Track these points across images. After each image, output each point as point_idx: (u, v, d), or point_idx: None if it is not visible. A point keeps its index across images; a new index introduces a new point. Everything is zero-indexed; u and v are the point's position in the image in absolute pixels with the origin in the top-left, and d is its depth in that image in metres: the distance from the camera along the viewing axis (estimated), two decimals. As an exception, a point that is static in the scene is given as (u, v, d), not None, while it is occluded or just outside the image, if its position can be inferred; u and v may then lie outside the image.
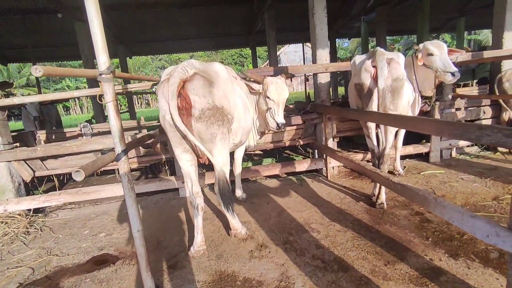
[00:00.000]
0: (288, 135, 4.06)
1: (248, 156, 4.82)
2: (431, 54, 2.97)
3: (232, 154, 3.33)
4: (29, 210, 3.38)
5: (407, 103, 3.16)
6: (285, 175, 4.22)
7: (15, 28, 7.40)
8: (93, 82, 7.64)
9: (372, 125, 2.98)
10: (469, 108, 4.42)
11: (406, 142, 4.03)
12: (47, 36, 8.52)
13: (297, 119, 3.90)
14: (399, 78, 2.67)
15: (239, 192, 3.45)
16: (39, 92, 8.76)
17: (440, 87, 3.60)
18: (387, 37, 12.80)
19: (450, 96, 4.12)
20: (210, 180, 3.66)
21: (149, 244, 2.62)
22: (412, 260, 2.14)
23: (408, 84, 3.17)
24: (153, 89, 3.44)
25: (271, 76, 2.96)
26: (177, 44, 11.29)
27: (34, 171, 3.55)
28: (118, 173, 4.47)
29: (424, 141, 4.33)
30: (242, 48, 24.55)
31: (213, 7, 7.75)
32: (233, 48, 25.74)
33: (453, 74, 2.89)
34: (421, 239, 2.38)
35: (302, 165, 4.04)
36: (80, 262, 2.50)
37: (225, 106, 2.25)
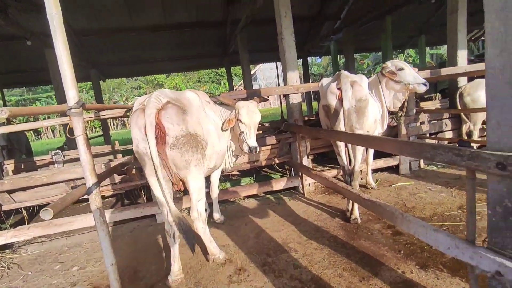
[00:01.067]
0: (264, 154, 4.15)
1: (226, 177, 4.85)
2: (402, 69, 3.19)
3: (208, 178, 3.37)
4: (-5, 247, 3.20)
5: (373, 121, 3.34)
6: (263, 194, 4.27)
7: (-20, 55, 7.18)
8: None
9: (341, 144, 3.13)
10: (432, 122, 4.73)
11: (378, 155, 4.22)
12: (17, 62, 8.30)
13: (271, 139, 4.01)
14: (362, 99, 2.86)
15: (216, 215, 3.45)
16: (8, 122, 8.39)
17: (403, 104, 3.86)
18: (356, 54, 13.52)
19: (414, 111, 4.42)
20: (187, 204, 3.64)
21: (125, 275, 2.55)
22: (386, 274, 2.22)
23: (375, 102, 3.37)
24: (128, 114, 3.43)
25: (244, 98, 3.06)
26: (153, 66, 11.32)
27: (1, 205, 3.38)
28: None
29: (394, 154, 4.55)
30: (217, 68, 24.87)
31: (186, 30, 7.92)
32: (208, 69, 26.11)
33: (424, 84, 3.11)
34: (393, 253, 2.48)
35: (279, 183, 4.11)
36: (50, 301, 2.39)
37: (199, 132, 2.31)
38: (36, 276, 2.79)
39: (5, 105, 8.61)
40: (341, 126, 2.93)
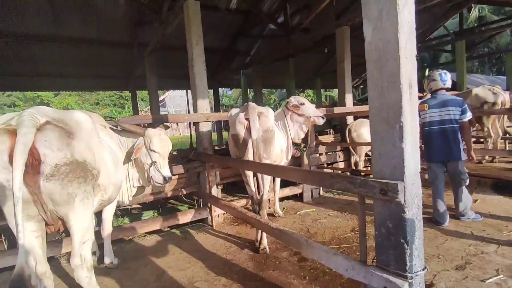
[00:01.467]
0: (170, 184, 3.83)
1: (124, 211, 4.25)
2: (303, 104, 3.58)
3: (100, 214, 2.85)
4: None
5: (279, 151, 3.53)
6: (168, 229, 3.88)
7: None
8: None
9: (250, 173, 3.15)
10: (329, 153, 5.34)
11: (284, 184, 4.44)
12: None
13: (179, 168, 3.76)
14: (268, 129, 2.99)
15: (107, 259, 2.89)
16: None
17: (306, 136, 4.24)
18: (263, 90, 14.64)
19: (314, 143, 4.90)
20: (68, 249, 2.97)
21: None
22: (293, 303, 2.21)
23: (281, 133, 3.59)
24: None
25: (149, 125, 2.82)
26: (38, 80, 9.48)
27: None
28: None
29: (298, 182, 4.88)
30: (120, 90, 23.04)
31: (83, 45, 7.10)
32: (110, 90, 23.92)
33: (322, 117, 3.63)
34: (299, 280, 2.52)
35: (186, 216, 3.83)
36: None
37: (88, 160, 1.94)
38: None
39: None
40: (249, 156, 2.96)
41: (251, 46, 9.71)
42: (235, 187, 5.73)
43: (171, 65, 9.26)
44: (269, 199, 3.80)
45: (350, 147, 5.42)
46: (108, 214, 2.85)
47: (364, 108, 5.40)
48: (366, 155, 5.43)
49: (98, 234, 3.01)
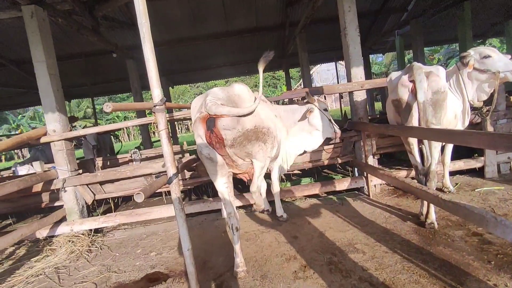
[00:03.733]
0: (326, 153, 4.06)
1: (286, 177, 4.86)
2: (488, 56, 2.86)
3: (268, 176, 3.44)
4: (91, 230, 3.74)
5: (453, 116, 3.02)
6: (325, 195, 4.17)
7: (77, 70, 8.47)
8: (141, 112, 8.37)
9: (414, 141, 2.89)
10: (526, 118, 4.07)
11: (456, 156, 3.80)
12: (102, 73, 9.60)
13: (335, 138, 3.90)
14: (439, 90, 2.60)
15: (280, 212, 3.48)
16: (96, 124, 9.74)
17: (491, 96, 3.43)
18: (425, 48, 12.35)
19: (503, 105, 3.86)
20: (249, 202, 3.75)
21: (196, 264, 2.74)
22: (473, 285, 1.98)
23: (454, 95, 3.06)
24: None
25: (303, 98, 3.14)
26: (214, 72, 11.96)
27: (94, 195, 3.94)
28: (165, 195, 4.75)
29: (476, 154, 4.04)
30: (275, 71, 25.13)
31: (247, 35, 8.20)
32: (267, 72, 26.49)
33: None
34: (481, 263, 2.20)
35: (342, 184, 3.98)
36: (135, 279, 2.69)
37: (257, 124, 2.33)
38: (122, 257, 3.17)
39: (94, 113, 9.98)
40: (414, 122, 2.71)
41: (408, 0, 8.33)
42: (392, 159, 5.37)
43: (320, 39, 9.32)
44: (437, 172, 3.37)
45: None
46: (275, 176, 3.39)
47: None
48: None
49: (269, 193, 3.65)
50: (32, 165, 4.56)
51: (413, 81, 2.61)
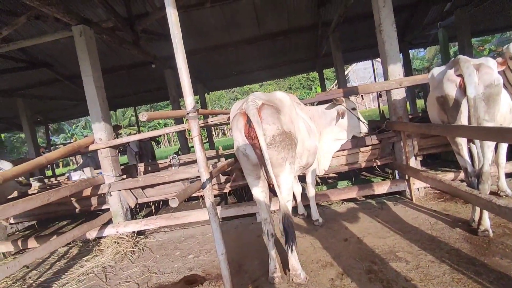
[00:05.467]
0: (363, 155, 3.89)
1: (322, 180, 4.74)
2: None
3: (304, 180, 3.38)
4: (134, 232, 3.96)
5: (508, 111, 2.73)
6: (363, 199, 3.99)
7: (121, 81, 9.10)
8: (179, 119, 8.73)
9: (462, 141, 2.65)
10: None
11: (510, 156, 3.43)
12: (143, 83, 10.21)
13: (372, 139, 3.73)
14: (493, 84, 2.35)
15: (315, 216, 3.40)
16: (139, 131, 10.37)
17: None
18: (473, 39, 11.36)
19: None
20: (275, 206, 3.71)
21: (231, 268, 2.74)
22: (535, 301, 1.76)
23: (506, 91, 2.77)
24: (229, 121, 3.78)
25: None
26: (247, 76, 12.13)
27: (137, 198, 4.18)
28: (202, 199, 4.89)
29: (538, 154, 3.60)
30: (309, 72, 24.82)
31: (279, 38, 8.20)
32: (301, 74, 26.26)
33: None
34: (545, 276, 1.95)
35: (381, 187, 3.78)
36: (174, 280, 2.79)
37: (292, 130, 2.34)
38: (162, 259, 3.31)
39: (136, 121, 10.63)
40: (463, 120, 2.47)
41: (451, -11, 7.74)
42: (438, 160, 4.99)
43: (354, 37, 9.02)
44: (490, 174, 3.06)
45: None
46: (310, 180, 3.33)
47: None
48: None
49: (304, 197, 3.58)
50: (83, 171, 4.97)
51: (460, 75, 2.40)
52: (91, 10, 5.17)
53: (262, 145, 2.09)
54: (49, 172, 13.82)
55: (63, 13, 3.68)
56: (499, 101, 2.43)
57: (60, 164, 29.74)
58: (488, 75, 2.36)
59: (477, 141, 2.52)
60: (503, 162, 3.18)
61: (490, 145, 2.48)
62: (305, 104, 3.50)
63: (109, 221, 4.09)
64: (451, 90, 2.50)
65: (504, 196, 3.20)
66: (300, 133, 2.59)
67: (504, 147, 3.14)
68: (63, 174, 7.72)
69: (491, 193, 3.13)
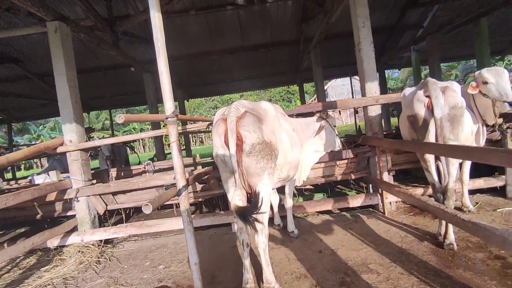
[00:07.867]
0: (339, 169, 3.98)
1: (298, 191, 4.78)
2: (486, 82, 2.80)
3: (282, 191, 3.38)
4: (101, 240, 3.75)
5: (470, 132, 2.93)
6: (338, 211, 4.06)
7: (97, 82, 8.79)
8: (156, 124, 8.53)
9: (430, 158, 2.80)
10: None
11: (475, 174, 3.65)
12: (120, 86, 9.92)
13: (349, 153, 3.83)
14: (457, 106, 2.53)
15: (291, 227, 3.40)
16: (113, 135, 10.01)
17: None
18: (442, 64, 12.17)
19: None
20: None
21: (204, 279, 2.67)
22: (496, 312, 1.85)
23: (469, 113, 2.97)
24: (209, 128, 3.74)
25: (318, 112, 3.08)
26: (229, 85, 12.19)
27: (106, 205, 3.98)
28: (176, 207, 4.74)
29: (497, 173, 3.86)
30: (289, 85, 25.34)
31: (262, 50, 8.34)
32: (281, 86, 26.76)
33: (510, 104, 2.71)
34: (505, 289, 2.06)
35: (356, 200, 3.87)
36: (142, 292, 2.65)
37: (273, 141, 2.35)
38: (130, 269, 3.15)
39: (111, 124, 10.27)
40: (431, 138, 2.62)
41: (424, 16, 8.31)
42: (408, 176, 5.21)
43: (334, 54, 9.37)
44: (455, 190, 3.24)
45: None
46: (288, 191, 3.34)
47: None
48: None
49: (281, 208, 3.58)
50: (48, 175, 4.67)
51: (429, 96, 2.55)
52: (68, 7, 5.01)
53: (232, 151, 2.06)
54: (8, 175, 12.91)
55: (37, 7, 3.52)
56: (463, 122, 2.61)
57: (22, 166, 27.90)
58: (453, 98, 2.53)
59: (443, 159, 2.68)
60: (467, 179, 3.37)
61: (454, 163, 2.64)
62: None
63: (74, 229, 3.85)
64: (420, 110, 2.66)
65: (467, 212, 3.38)
66: (282, 145, 2.58)
67: (467, 165, 3.34)
68: (25, 177, 7.23)
69: (456, 208, 3.31)
